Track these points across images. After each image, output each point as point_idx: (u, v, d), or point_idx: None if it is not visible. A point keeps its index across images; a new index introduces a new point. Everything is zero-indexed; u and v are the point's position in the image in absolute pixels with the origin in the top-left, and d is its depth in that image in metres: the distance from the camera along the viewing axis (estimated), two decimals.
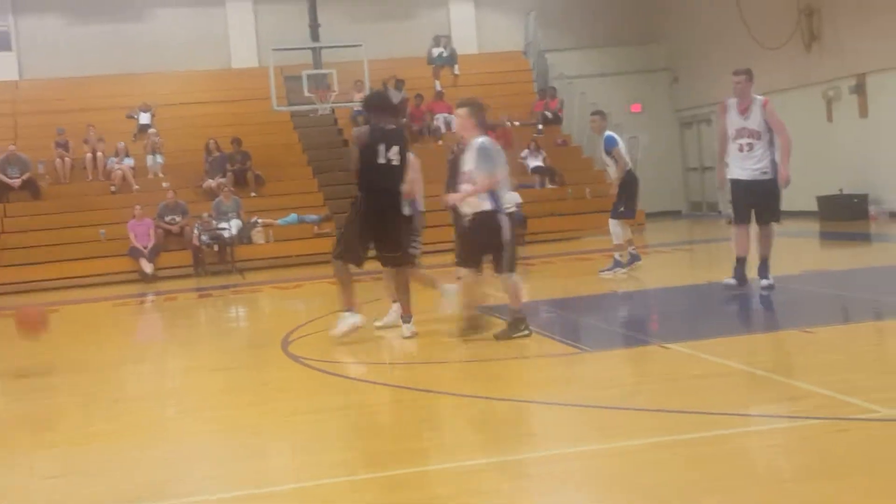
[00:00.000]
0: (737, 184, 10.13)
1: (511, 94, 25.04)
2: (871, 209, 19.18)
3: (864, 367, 6.59)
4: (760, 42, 21.47)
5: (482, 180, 8.11)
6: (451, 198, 8.60)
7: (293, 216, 19.84)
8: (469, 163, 8.22)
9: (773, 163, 9.88)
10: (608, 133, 12.87)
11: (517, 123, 23.83)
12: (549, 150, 22.69)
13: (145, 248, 18.30)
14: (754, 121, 9.86)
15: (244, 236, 19.16)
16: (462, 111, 8.38)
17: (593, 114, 13.31)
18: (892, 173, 18.77)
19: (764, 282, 9.98)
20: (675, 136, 26.34)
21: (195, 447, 5.94)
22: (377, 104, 9.14)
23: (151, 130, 22.10)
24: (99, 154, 21.07)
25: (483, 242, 8.25)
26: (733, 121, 10.00)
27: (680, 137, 26.47)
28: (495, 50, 26.18)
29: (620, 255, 12.98)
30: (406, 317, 8.95)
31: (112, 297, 15.72)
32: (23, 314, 8.48)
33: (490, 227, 8.19)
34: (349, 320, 8.73)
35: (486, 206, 8.16)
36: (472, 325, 8.45)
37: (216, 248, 18.74)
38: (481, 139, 8.24)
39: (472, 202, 8.26)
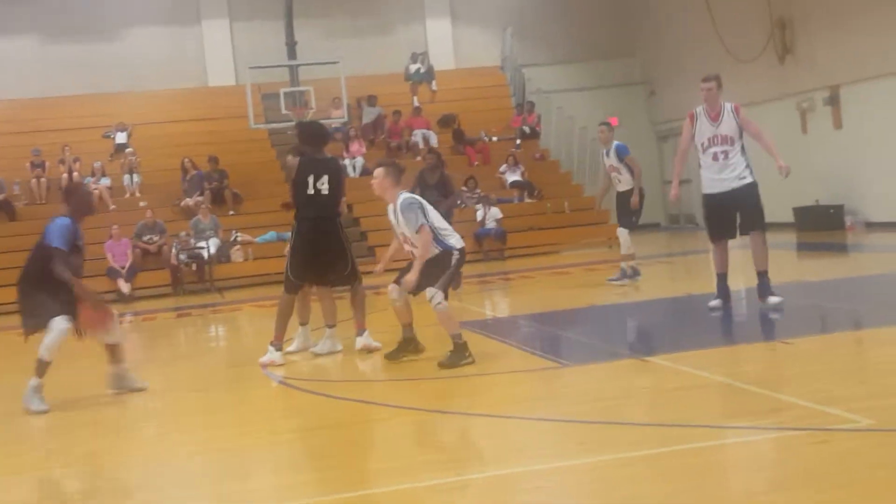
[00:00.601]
0: (712, 199, 9.71)
1: (489, 109, 25.11)
2: (848, 220, 19.32)
3: (844, 378, 6.62)
4: (735, 55, 21.63)
5: (423, 240, 7.93)
6: (408, 280, 8.02)
7: (272, 234, 19.79)
8: (402, 225, 8.08)
9: (749, 167, 9.59)
10: (618, 142, 13.05)
11: (495, 138, 23.91)
12: (527, 164, 22.76)
13: (123, 268, 18.20)
14: (727, 127, 9.52)
15: (223, 255, 19.09)
16: (378, 171, 8.25)
17: (601, 124, 13.34)
18: (868, 184, 18.94)
19: (772, 300, 9.48)
20: (653, 149, 26.46)
21: (174, 468, 5.89)
22: (308, 134, 9.38)
23: (128, 150, 22.03)
24: (75, 174, 20.97)
25: (429, 274, 8.02)
26: (704, 129, 9.63)
27: (657, 150, 26.60)
28: (472, 65, 26.26)
29: (627, 265, 13.11)
30: (360, 331, 9.22)
31: None
32: (89, 317, 8.23)
33: (442, 262, 8.05)
34: (272, 355, 8.91)
35: (436, 250, 8.04)
36: (406, 348, 8.40)
37: (194, 266, 18.66)
38: (401, 197, 8.11)
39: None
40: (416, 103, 24.50)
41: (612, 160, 13.02)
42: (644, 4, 26.25)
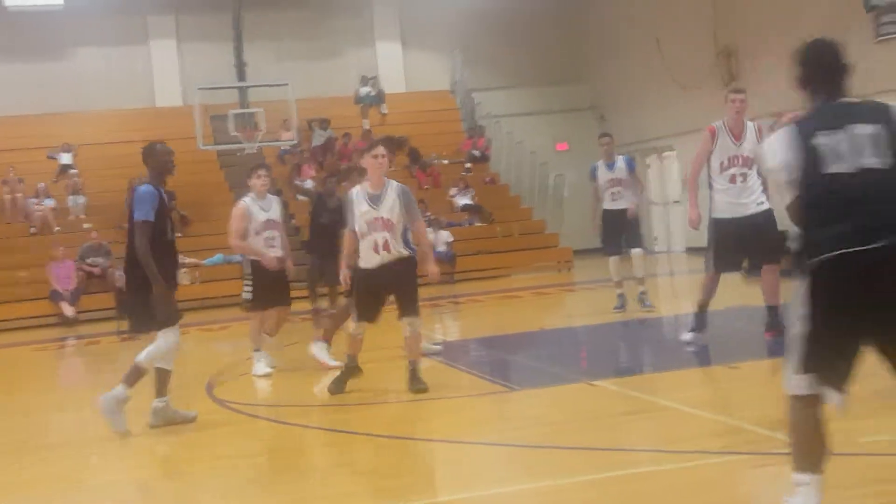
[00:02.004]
0: (727, 224, 8.74)
1: (439, 132, 25.18)
2: (791, 245, 19.60)
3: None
4: (681, 82, 21.94)
5: (422, 231, 8.10)
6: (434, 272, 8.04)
7: (219, 256, 19.61)
8: (397, 210, 7.76)
9: (765, 192, 8.70)
10: (626, 156, 12.61)
11: (445, 162, 23.97)
12: (477, 188, 22.84)
13: (66, 290, 17.90)
14: (748, 147, 8.71)
15: None
16: (383, 150, 7.92)
17: (604, 135, 12.64)
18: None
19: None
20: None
21: (118, 495, 5.78)
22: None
23: (73, 171, 21.73)
24: (18, 195, 20.64)
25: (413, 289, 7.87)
26: (726, 147, 8.75)
27: (589, 179, 26.79)
28: (423, 89, 26.33)
29: (622, 291, 12.21)
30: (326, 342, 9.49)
31: (32, 342, 15.33)
32: None
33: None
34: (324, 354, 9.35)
35: (410, 253, 7.88)
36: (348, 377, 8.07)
37: None
38: (398, 184, 7.99)
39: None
40: (367, 126, 24.50)
41: (615, 174, 12.16)
42: (593, 31, 26.54)
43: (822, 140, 3.83)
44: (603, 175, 12.28)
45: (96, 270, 18.61)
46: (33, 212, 20.38)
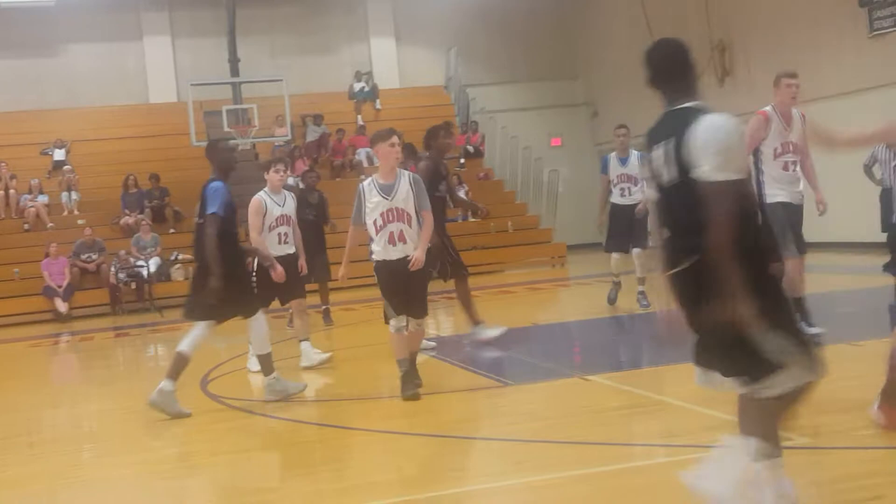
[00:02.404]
0: (786, 208, 8.70)
1: None
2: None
3: None
4: None
5: (428, 223, 7.49)
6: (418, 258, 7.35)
7: None
8: (412, 198, 7.40)
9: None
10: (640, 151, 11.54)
11: None
12: (471, 183, 22.83)
13: (60, 286, 17.89)
14: (796, 134, 8.63)
15: (162, 273, 18.85)
16: (398, 139, 7.55)
17: (621, 126, 12.00)
18: (804, 205, 19.24)
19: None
20: (596, 169, 26.52)
21: (113, 492, 5.79)
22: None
23: (66, 167, 21.68)
24: (12, 191, 20.60)
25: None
26: (779, 133, 8.63)
27: (599, 171, 26.83)
28: (417, 85, 26.31)
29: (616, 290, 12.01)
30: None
31: (26, 338, 15.32)
32: None
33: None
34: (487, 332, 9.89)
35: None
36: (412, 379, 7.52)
37: (133, 285, 18.41)
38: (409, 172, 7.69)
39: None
40: (361, 122, 24.49)
41: (628, 169, 11.71)
42: (587, 27, 26.55)
43: (652, 155, 3.95)
44: (615, 169, 11.90)
45: (90, 266, 18.59)
46: (26, 208, 20.34)
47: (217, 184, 7.46)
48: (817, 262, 16.96)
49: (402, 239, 7.32)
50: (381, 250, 7.37)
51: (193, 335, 7.65)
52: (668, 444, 5.65)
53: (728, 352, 3.70)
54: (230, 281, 7.36)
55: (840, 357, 8.02)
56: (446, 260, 9.58)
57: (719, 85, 21.31)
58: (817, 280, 14.61)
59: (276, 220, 9.33)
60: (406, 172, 7.55)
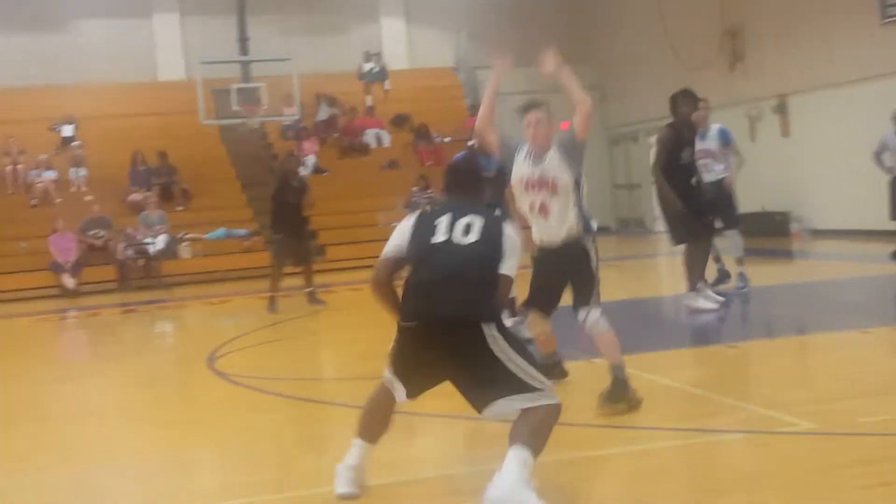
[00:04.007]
0: None
1: (442, 109, 25.08)
2: (793, 226, 19.60)
3: (787, 382, 6.71)
4: (686, 62, 21.85)
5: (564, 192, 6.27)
6: None
7: (221, 230, 19.61)
8: (551, 169, 6.35)
9: None
10: (720, 125, 11.23)
11: (448, 139, 23.89)
12: None
13: (67, 262, 17.92)
14: None
15: (170, 251, 18.88)
16: (538, 114, 6.69)
17: (702, 100, 10.52)
18: (813, 191, 19.23)
19: None
20: (604, 153, 26.64)
21: (118, 466, 5.81)
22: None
23: (75, 143, 21.68)
24: (20, 166, 20.62)
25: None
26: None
27: (609, 155, 26.78)
28: (426, 66, 26.22)
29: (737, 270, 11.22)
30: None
31: (33, 313, 15.36)
32: None
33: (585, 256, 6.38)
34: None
35: (575, 225, 6.38)
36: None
37: (141, 262, 18.44)
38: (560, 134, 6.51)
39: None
40: (370, 102, 24.44)
41: (707, 144, 10.83)
42: (598, 11, 26.42)
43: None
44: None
45: (98, 242, 18.61)
46: (34, 183, 20.36)
47: None
48: (826, 249, 16.96)
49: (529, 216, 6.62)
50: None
51: None
52: (672, 427, 5.66)
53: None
54: None
55: (848, 344, 8.03)
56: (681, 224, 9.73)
57: (730, 71, 21.23)
58: (826, 267, 14.62)
59: None
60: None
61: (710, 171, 10.87)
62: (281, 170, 12.68)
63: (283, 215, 12.42)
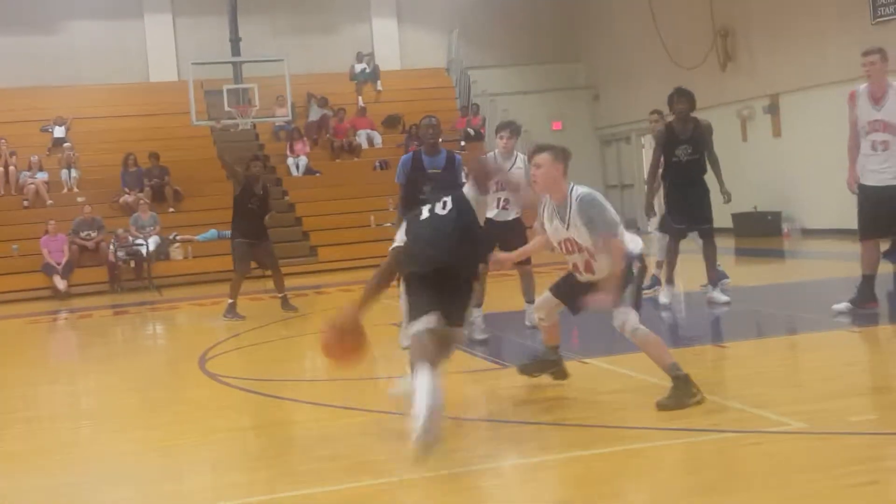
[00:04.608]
0: (873, 191, 8.64)
1: (433, 110, 24.83)
2: (784, 226, 19.64)
3: (777, 381, 6.73)
4: (678, 62, 21.89)
5: (616, 253, 6.04)
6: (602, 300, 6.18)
7: (212, 232, 19.57)
8: (573, 228, 6.18)
9: None
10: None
11: (440, 140, 23.89)
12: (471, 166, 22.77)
13: (59, 264, 17.88)
14: (890, 112, 8.37)
15: (161, 252, 18.85)
16: (543, 158, 6.33)
17: (654, 111, 11.63)
18: (805, 191, 19.27)
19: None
20: (596, 153, 26.67)
21: (110, 468, 5.80)
22: None
23: (66, 144, 21.65)
24: (11, 168, 20.58)
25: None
26: (865, 112, 8.46)
27: (600, 155, 26.81)
28: (418, 66, 26.25)
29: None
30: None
31: (24, 315, 15.33)
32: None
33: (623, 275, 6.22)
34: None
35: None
36: (546, 368, 7.00)
37: (132, 264, 18.41)
38: (578, 191, 6.31)
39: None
40: (361, 103, 24.43)
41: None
42: (590, 10, 26.46)
43: None
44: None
45: (89, 244, 18.58)
46: (26, 185, 20.32)
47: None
48: (818, 249, 16.99)
49: (577, 270, 6.49)
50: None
51: None
52: (664, 427, 5.66)
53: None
54: None
55: (839, 343, 8.05)
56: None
57: (722, 71, 21.27)
58: (817, 267, 14.65)
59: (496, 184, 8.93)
60: (571, 192, 6.32)
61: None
62: (245, 175, 12.47)
63: (244, 220, 12.29)
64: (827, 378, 6.73)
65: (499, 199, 9.45)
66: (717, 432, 5.39)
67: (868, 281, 8.81)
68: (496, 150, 9.94)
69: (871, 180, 8.65)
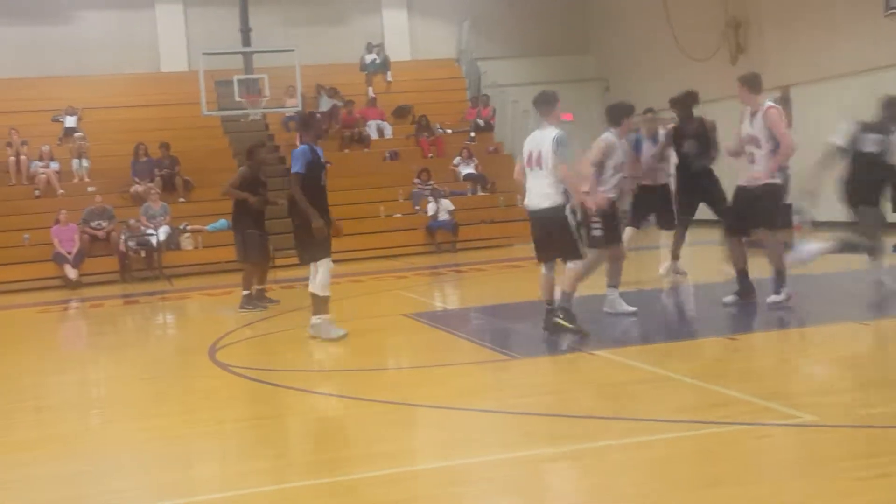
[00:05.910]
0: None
1: (443, 101, 25.08)
2: (796, 219, 19.57)
3: (786, 374, 6.72)
4: (689, 54, 21.82)
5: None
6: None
7: (222, 222, 19.55)
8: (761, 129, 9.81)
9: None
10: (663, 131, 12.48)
11: (449, 131, 23.89)
12: (481, 157, 22.78)
13: (70, 253, 17.93)
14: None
15: (172, 242, 18.89)
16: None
17: (648, 110, 13.03)
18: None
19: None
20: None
21: (120, 457, 5.83)
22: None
23: (77, 134, 21.68)
24: (22, 157, 20.61)
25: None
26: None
27: None
28: (428, 57, 26.21)
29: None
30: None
31: (36, 304, 15.38)
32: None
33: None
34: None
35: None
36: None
37: (143, 253, 18.45)
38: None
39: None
40: (371, 94, 24.41)
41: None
42: (600, 2, 26.39)
43: None
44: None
45: (100, 234, 18.62)
46: (37, 174, 20.37)
47: (303, 147, 9.11)
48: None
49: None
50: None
51: (321, 275, 8.85)
52: (674, 419, 5.66)
53: None
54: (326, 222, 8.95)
55: (848, 336, 8.03)
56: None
57: (733, 63, 21.18)
58: (828, 259, 14.56)
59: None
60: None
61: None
62: (249, 165, 12.23)
63: (254, 210, 12.04)
64: (838, 370, 6.72)
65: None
66: (728, 424, 5.39)
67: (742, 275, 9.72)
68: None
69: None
